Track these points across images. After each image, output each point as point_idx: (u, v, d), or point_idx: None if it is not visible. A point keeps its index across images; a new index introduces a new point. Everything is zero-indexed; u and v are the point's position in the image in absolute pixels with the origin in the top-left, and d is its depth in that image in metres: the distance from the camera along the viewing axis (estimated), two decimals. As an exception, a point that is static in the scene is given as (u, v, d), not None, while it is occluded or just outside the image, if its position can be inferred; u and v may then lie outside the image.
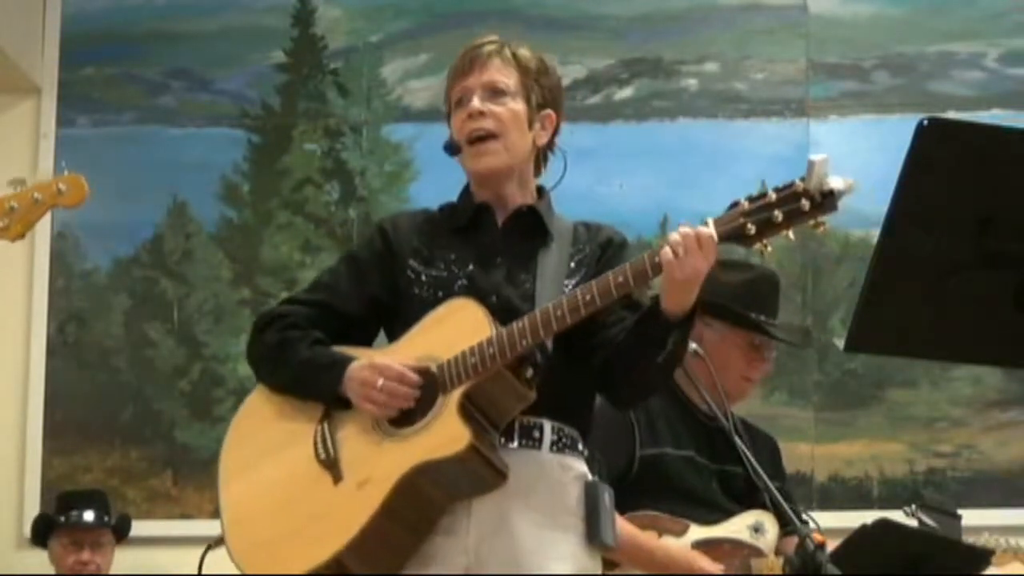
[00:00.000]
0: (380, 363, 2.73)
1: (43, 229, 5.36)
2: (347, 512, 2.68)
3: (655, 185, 5.47)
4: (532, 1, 5.67)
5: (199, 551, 4.36)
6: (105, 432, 5.47)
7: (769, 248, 2.59)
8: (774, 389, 5.34)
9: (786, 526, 3.66)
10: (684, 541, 3.63)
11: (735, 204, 2.59)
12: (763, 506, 3.70)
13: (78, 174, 2.86)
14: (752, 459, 3.57)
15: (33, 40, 5.64)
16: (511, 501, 2.72)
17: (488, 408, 2.70)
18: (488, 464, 2.66)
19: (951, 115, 5.26)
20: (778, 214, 2.53)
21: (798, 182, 2.53)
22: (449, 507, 2.72)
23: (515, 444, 2.74)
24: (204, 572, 4.39)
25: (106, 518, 5.01)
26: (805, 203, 2.51)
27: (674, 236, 2.60)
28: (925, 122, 2.05)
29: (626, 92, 5.63)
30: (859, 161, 5.34)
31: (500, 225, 2.91)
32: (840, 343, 5.28)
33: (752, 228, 2.55)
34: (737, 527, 3.68)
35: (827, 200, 2.49)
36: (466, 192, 2.97)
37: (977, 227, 2.10)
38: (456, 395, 2.68)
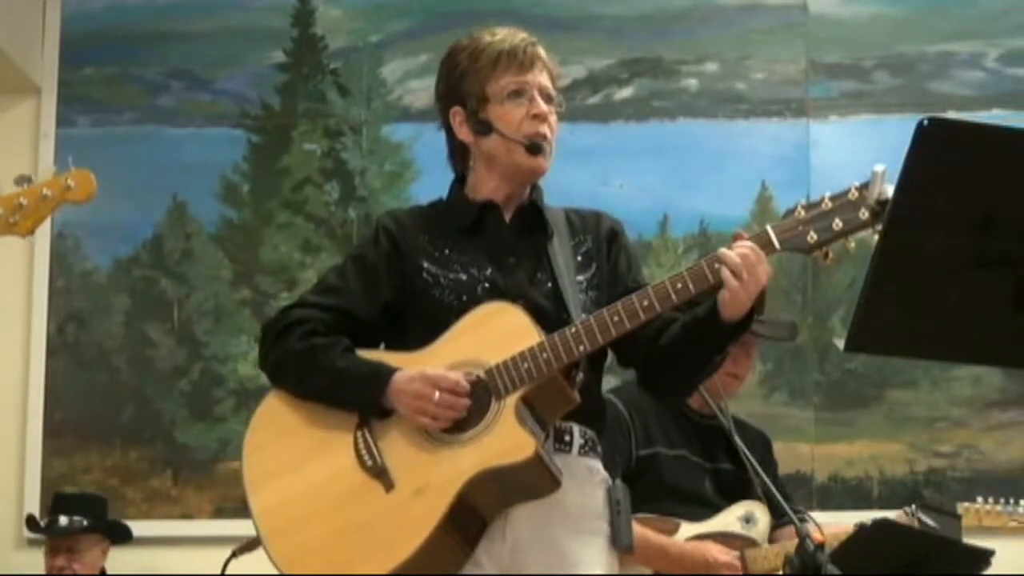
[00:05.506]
0: (433, 374, 2.68)
1: (43, 229, 5.28)
2: (407, 519, 2.65)
3: (655, 185, 5.47)
4: (532, 1, 5.67)
5: (199, 551, 4.37)
6: (105, 432, 5.47)
7: (831, 256, 2.61)
8: (774, 389, 5.34)
9: (779, 517, 3.67)
10: (676, 539, 3.64)
11: (790, 211, 2.62)
12: (756, 499, 3.71)
13: (86, 169, 2.87)
14: (747, 452, 3.59)
15: (33, 40, 5.64)
16: (547, 506, 2.71)
17: (540, 413, 2.70)
18: (548, 471, 2.66)
19: (951, 115, 5.26)
20: (838, 222, 2.57)
21: (852, 190, 2.57)
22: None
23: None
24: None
25: (85, 523, 4.89)
26: (864, 212, 2.55)
27: (733, 258, 2.60)
28: (925, 122, 2.04)
29: (626, 92, 5.63)
30: (859, 161, 5.33)
31: (507, 223, 2.88)
32: (840, 343, 5.28)
33: (814, 236, 2.59)
34: (728, 519, 3.69)
35: (884, 209, 2.49)
36: (459, 190, 2.93)
37: (977, 227, 2.10)
38: (512, 401, 2.66)
